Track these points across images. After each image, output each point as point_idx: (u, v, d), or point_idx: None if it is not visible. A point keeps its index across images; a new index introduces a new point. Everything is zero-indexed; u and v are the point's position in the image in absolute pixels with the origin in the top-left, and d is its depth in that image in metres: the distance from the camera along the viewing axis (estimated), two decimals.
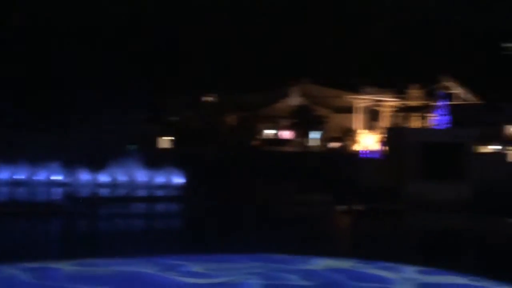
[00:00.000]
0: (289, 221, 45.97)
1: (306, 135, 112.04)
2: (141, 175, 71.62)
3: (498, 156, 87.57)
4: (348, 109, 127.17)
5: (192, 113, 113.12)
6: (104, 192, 64.02)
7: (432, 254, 34.75)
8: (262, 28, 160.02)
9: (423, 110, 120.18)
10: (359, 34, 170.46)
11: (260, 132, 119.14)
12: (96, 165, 72.73)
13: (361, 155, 76.07)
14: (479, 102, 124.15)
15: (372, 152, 78.09)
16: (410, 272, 26.88)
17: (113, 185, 68.00)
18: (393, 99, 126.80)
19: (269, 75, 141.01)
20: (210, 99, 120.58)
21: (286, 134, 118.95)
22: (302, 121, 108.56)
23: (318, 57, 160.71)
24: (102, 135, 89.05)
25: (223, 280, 24.38)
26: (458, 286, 24.53)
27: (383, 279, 25.35)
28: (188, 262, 27.22)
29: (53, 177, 73.11)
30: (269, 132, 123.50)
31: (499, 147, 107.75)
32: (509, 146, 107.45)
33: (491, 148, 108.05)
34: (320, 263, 27.92)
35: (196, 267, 26.39)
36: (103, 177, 71.86)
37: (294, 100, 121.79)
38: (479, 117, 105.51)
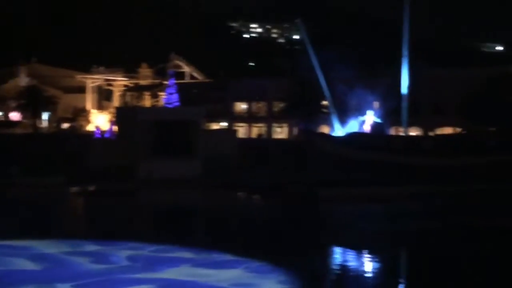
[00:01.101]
0: (17, 205, 44.51)
1: (37, 116, 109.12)
2: None
3: (226, 132, 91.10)
4: (80, 89, 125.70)
5: None
6: None
7: (167, 231, 35.56)
8: None
9: (154, 89, 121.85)
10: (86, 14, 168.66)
11: None
12: None
13: (94, 135, 75.59)
14: (207, 80, 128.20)
15: (105, 132, 77.96)
16: (146, 250, 27.39)
17: None
18: (124, 79, 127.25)
19: None
20: None
21: (15, 116, 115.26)
22: (31, 102, 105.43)
23: (45, 36, 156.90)
24: None
25: None
26: (184, 260, 25.42)
27: (119, 259, 25.62)
28: None
29: None
30: None
31: (227, 123, 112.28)
32: (237, 122, 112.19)
33: (220, 124, 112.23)
34: (53, 247, 27.56)
35: None
36: None
37: (22, 80, 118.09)
38: (207, 94, 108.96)
